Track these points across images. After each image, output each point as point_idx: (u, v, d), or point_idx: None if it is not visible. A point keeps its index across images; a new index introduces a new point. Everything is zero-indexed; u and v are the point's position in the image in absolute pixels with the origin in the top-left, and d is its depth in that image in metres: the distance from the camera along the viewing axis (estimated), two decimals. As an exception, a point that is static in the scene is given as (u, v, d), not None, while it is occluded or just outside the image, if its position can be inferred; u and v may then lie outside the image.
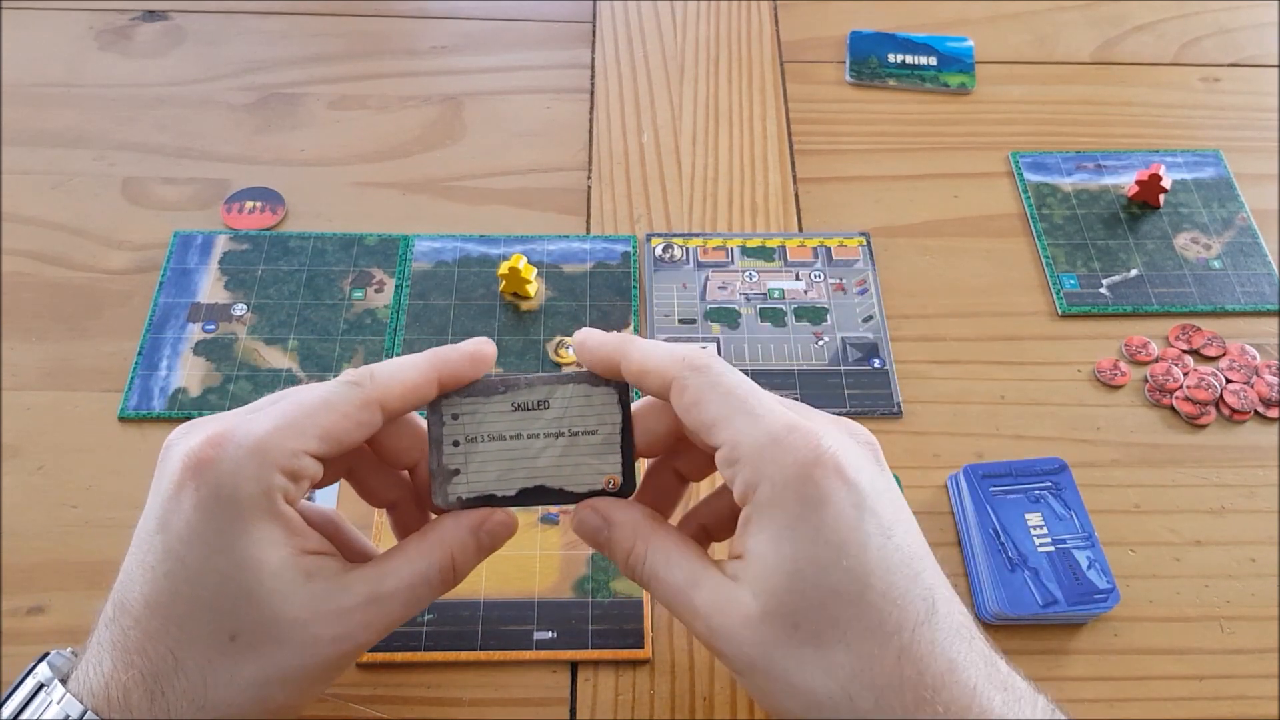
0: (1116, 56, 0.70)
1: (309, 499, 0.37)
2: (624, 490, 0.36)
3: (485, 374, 0.36)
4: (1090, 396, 0.53)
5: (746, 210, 0.60)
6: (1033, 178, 0.62)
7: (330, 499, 0.47)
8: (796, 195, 0.61)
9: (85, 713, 0.30)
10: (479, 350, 0.35)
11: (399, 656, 0.43)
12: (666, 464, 0.38)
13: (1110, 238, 0.59)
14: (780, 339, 0.54)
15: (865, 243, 0.58)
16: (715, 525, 0.38)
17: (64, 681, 0.32)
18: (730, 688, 0.43)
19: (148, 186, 0.60)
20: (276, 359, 0.53)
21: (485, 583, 0.45)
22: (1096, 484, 0.49)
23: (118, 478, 0.48)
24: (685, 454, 0.37)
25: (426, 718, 0.42)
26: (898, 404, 0.52)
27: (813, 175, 0.62)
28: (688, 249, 0.58)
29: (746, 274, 0.57)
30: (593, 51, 0.68)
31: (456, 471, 0.35)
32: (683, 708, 0.42)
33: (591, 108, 0.65)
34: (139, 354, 0.52)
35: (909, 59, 0.68)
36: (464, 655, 0.43)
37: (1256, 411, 0.52)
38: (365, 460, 0.37)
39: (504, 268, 0.54)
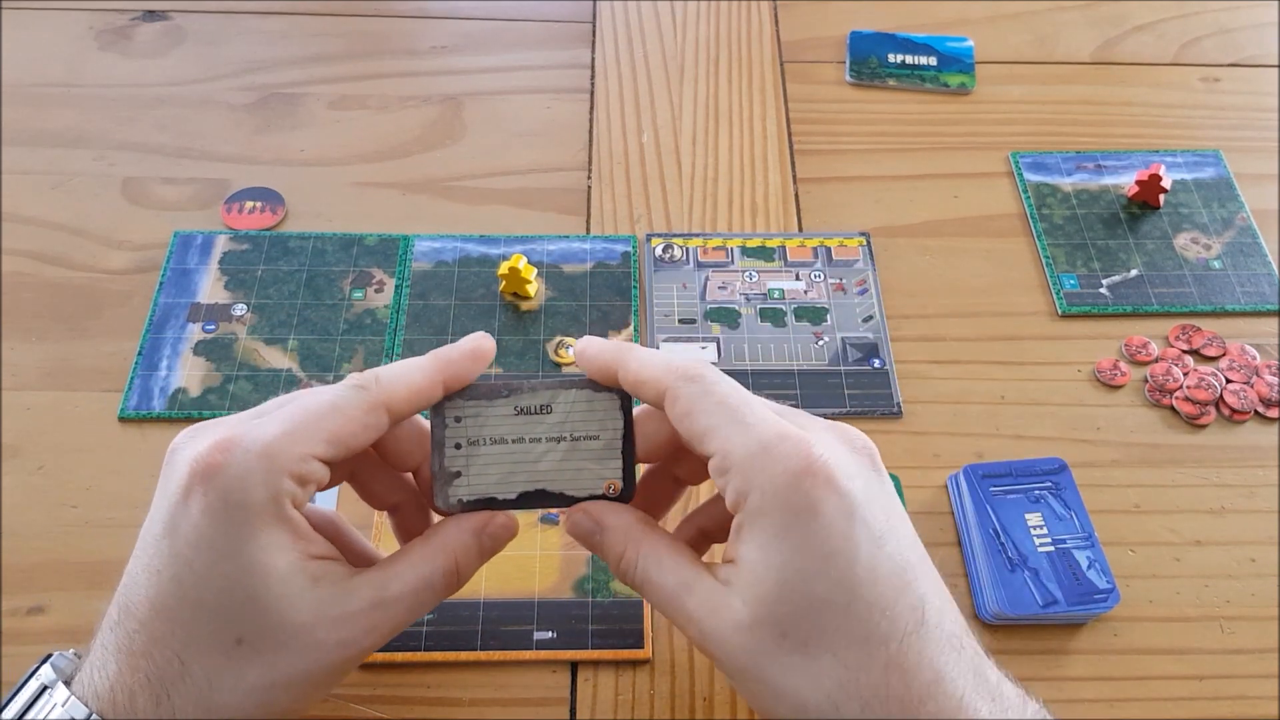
0: (1116, 56, 0.70)
1: (310, 501, 0.37)
2: (624, 495, 0.36)
3: (489, 377, 0.36)
4: (1090, 396, 0.53)
5: (746, 210, 0.60)
6: (1033, 178, 0.62)
7: (330, 501, 0.47)
8: (796, 195, 0.61)
9: (90, 716, 0.30)
10: (478, 346, 0.36)
11: (399, 656, 0.43)
12: (664, 468, 0.38)
13: (1110, 238, 0.59)
14: (780, 339, 0.54)
15: (865, 243, 0.58)
16: (714, 528, 0.38)
17: (67, 684, 0.32)
18: (730, 688, 0.43)
19: (148, 186, 0.60)
20: (276, 359, 0.53)
21: (485, 583, 0.45)
22: (1096, 484, 0.49)
23: (118, 478, 0.48)
24: (684, 459, 0.37)
25: (426, 718, 0.42)
26: (898, 404, 0.52)
27: (813, 175, 0.62)
28: (688, 249, 0.58)
29: (746, 274, 0.57)
30: (593, 51, 0.68)
31: (458, 474, 0.35)
32: (683, 708, 0.42)
33: (591, 108, 0.65)
34: (139, 354, 0.52)
35: (909, 59, 0.68)
36: (464, 655, 0.43)
37: (1256, 411, 0.52)
38: (369, 463, 0.37)
39: (504, 268, 0.54)
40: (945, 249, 0.59)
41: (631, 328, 0.54)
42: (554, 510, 0.47)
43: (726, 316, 0.55)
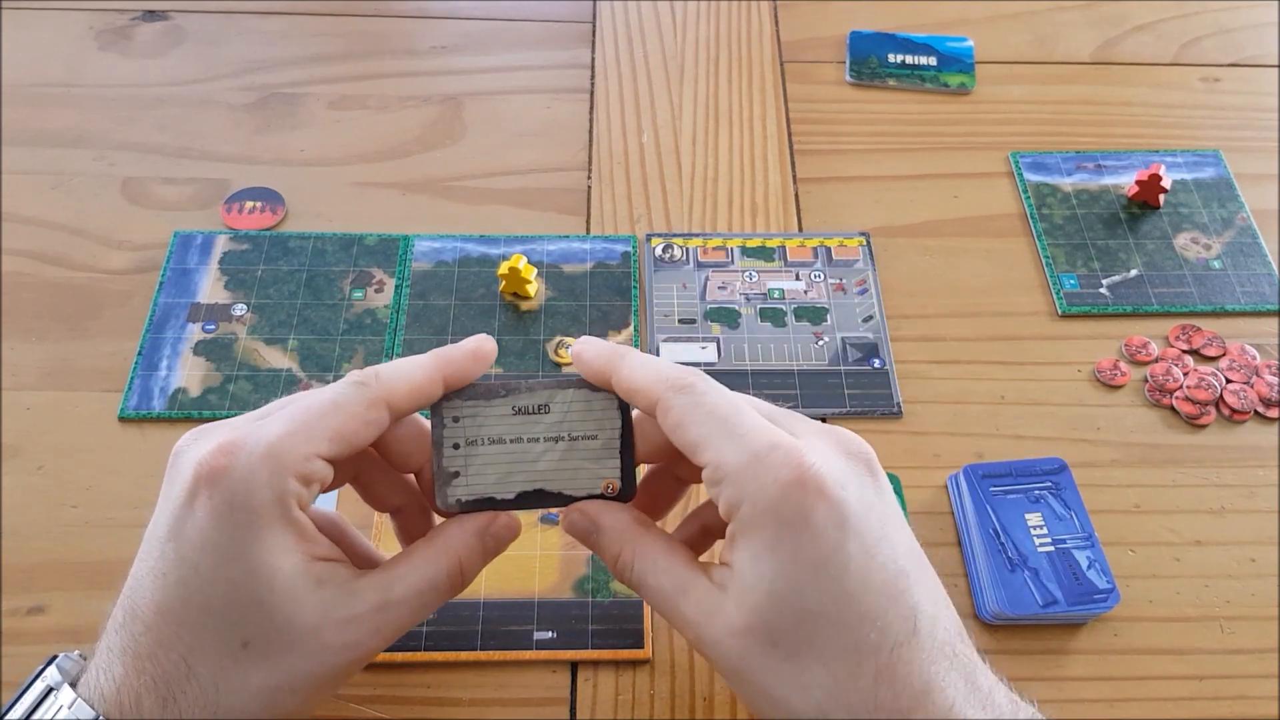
0: (1116, 56, 0.70)
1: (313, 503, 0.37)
2: (624, 495, 0.36)
3: (487, 377, 0.36)
4: (1090, 396, 0.53)
5: (746, 210, 0.60)
6: (1033, 178, 0.62)
7: (330, 503, 0.47)
8: (796, 195, 0.61)
9: (97, 718, 0.30)
10: (480, 347, 0.36)
11: (399, 656, 0.43)
12: (666, 467, 0.38)
13: (1110, 238, 0.59)
14: (780, 339, 0.54)
15: (865, 243, 0.58)
16: (716, 526, 0.38)
17: (73, 685, 0.32)
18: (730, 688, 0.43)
19: (148, 186, 0.60)
20: (276, 359, 0.53)
21: (485, 583, 0.45)
22: (1096, 484, 0.49)
23: (118, 478, 0.48)
24: (685, 460, 0.37)
25: (426, 718, 0.42)
26: (898, 404, 0.52)
27: (813, 175, 0.62)
28: (688, 249, 0.58)
29: (746, 274, 0.57)
30: (593, 51, 0.68)
31: (457, 474, 0.35)
32: (683, 708, 0.42)
33: (591, 108, 0.65)
34: (139, 354, 0.52)
35: (909, 59, 0.68)
36: (464, 655, 0.43)
37: (1256, 411, 0.52)
38: (372, 464, 0.37)
39: (504, 268, 0.54)
40: (945, 249, 0.59)
41: (631, 328, 0.54)
42: (553, 511, 0.47)
43: (726, 316, 0.55)
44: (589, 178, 0.61)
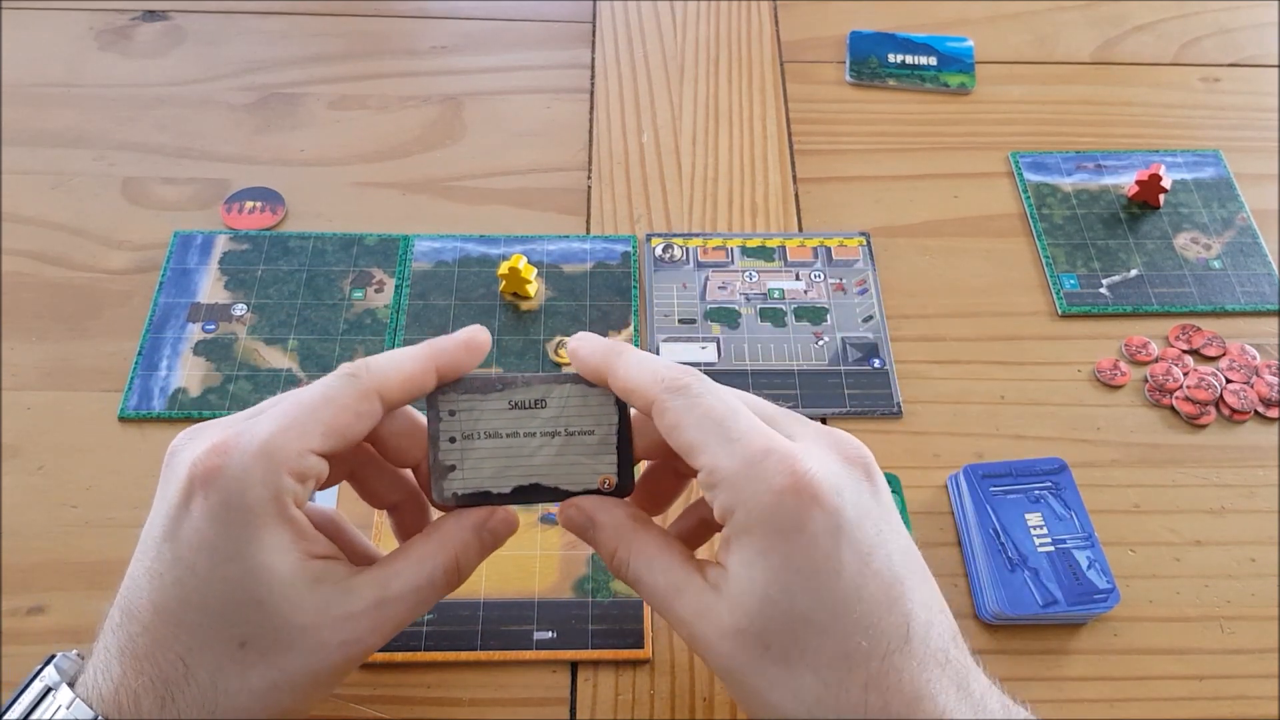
0: (1116, 56, 0.70)
1: (309, 500, 0.37)
2: (621, 490, 0.36)
3: (484, 372, 0.36)
4: (1090, 396, 0.53)
5: (746, 210, 0.60)
6: (1033, 178, 0.62)
7: (330, 501, 0.47)
8: (796, 195, 0.61)
9: (95, 718, 0.30)
10: (473, 338, 0.35)
11: (399, 656, 0.43)
12: (666, 462, 0.38)
13: (1110, 238, 0.59)
14: (780, 339, 0.54)
15: (865, 243, 0.58)
16: (714, 520, 0.38)
17: (71, 685, 0.32)
18: (730, 688, 0.43)
19: (148, 186, 0.60)
20: (276, 359, 0.53)
21: (485, 583, 0.45)
22: (1096, 484, 0.49)
23: (118, 478, 0.48)
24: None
25: (426, 718, 0.42)
26: (898, 404, 0.52)
27: (813, 175, 0.62)
28: (688, 249, 0.58)
29: (746, 274, 0.57)
30: (593, 51, 0.68)
31: (453, 468, 0.35)
32: (683, 708, 0.42)
33: (591, 108, 0.65)
34: (139, 354, 0.52)
35: (909, 59, 0.68)
36: (464, 655, 0.43)
37: (1256, 411, 0.52)
38: (368, 461, 0.37)
39: (504, 268, 0.54)
40: (945, 249, 0.59)
41: (631, 328, 0.54)
42: (553, 511, 0.47)
43: (726, 316, 0.55)
44: (589, 178, 0.61)
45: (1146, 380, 0.53)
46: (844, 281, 0.57)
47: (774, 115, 0.65)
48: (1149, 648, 0.45)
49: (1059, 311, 0.56)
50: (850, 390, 0.52)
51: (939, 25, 0.71)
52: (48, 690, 0.32)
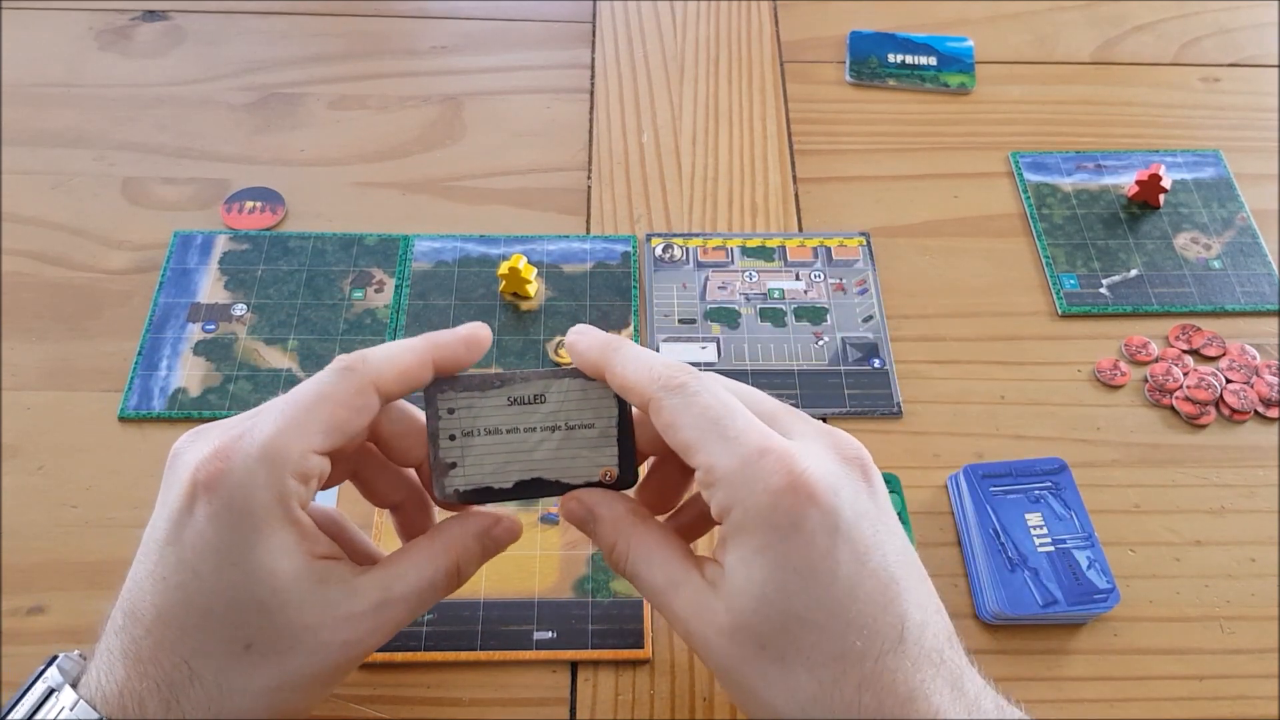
0: (1116, 56, 0.70)
1: (312, 500, 0.37)
2: (624, 482, 0.36)
3: (483, 371, 0.36)
4: (1090, 396, 0.53)
5: (746, 210, 0.60)
6: (1033, 178, 0.62)
7: (330, 500, 0.47)
8: (796, 195, 0.61)
9: None
10: (473, 334, 0.35)
11: (399, 656, 0.43)
12: (671, 456, 0.38)
13: (1110, 238, 0.59)
14: (780, 339, 0.54)
15: (865, 243, 0.58)
16: None
17: (73, 686, 0.32)
18: (730, 688, 0.43)
19: (148, 186, 0.60)
20: (276, 359, 0.53)
21: (485, 583, 0.45)
22: (1096, 484, 0.49)
23: (118, 478, 0.48)
24: None
25: (426, 718, 0.42)
26: (898, 404, 0.52)
27: (813, 175, 0.62)
28: (688, 249, 0.58)
29: (746, 274, 0.57)
30: (593, 51, 0.68)
31: (454, 465, 0.35)
32: (683, 708, 0.42)
33: (591, 108, 0.65)
34: (139, 354, 0.52)
35: (909, 59, 0.68)
36: (464, 655, 0.43)
37: (1256, 411, 0.52)
38: (371, 460, 0.37)
39: (504, 268, 0.54)
40: (945, 249, 0.59)
41: (631, 328, 0.54)
42: (554, 511, 0.47)
43: (726, 316, 0.55)
44: (589, 178, 0.61)
45: (1146, 380, 0.53)
46: (844, 281, 0.57)
47: (774, 115, 0.65)
48: (1149, 648, 0.45)
49: (1059, 311, 0.56)
50: (850, 390, 0.52)
51: (939, 25, 0.71)
52: (51, 691, 0.32)
